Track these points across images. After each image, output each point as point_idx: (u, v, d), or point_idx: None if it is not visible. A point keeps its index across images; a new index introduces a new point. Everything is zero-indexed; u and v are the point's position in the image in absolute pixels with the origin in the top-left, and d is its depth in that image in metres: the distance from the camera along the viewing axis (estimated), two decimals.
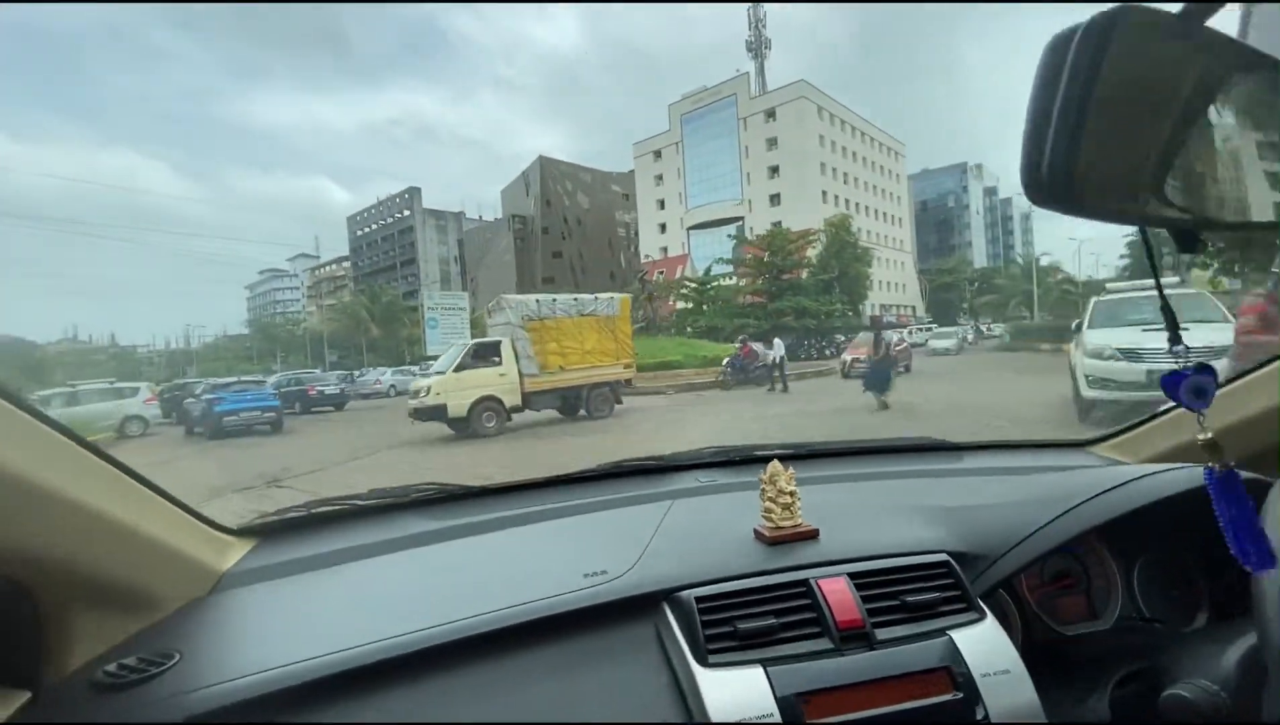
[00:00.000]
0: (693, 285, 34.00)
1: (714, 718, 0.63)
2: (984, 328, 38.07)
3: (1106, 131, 0.37)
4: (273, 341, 57.19)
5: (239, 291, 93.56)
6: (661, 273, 49.49)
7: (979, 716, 0.67)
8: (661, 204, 60.33)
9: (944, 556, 0.81)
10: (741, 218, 50.89)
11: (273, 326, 61.33)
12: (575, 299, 12.33)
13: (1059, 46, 0.38)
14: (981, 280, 64.23)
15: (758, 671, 0.67)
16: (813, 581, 0.76)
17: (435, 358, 18.11)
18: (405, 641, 0.69)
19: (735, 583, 0.77)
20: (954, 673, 0.69)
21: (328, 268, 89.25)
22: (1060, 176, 0.37)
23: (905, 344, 16.77)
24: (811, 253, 34.25)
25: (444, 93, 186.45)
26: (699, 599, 0.74)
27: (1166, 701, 0.63)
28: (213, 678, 0.64)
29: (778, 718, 0.63)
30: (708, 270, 33.46)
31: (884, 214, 58.58)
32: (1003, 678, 0.70)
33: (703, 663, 0.68)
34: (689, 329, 29.19)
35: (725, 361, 16.84)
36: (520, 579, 0.84)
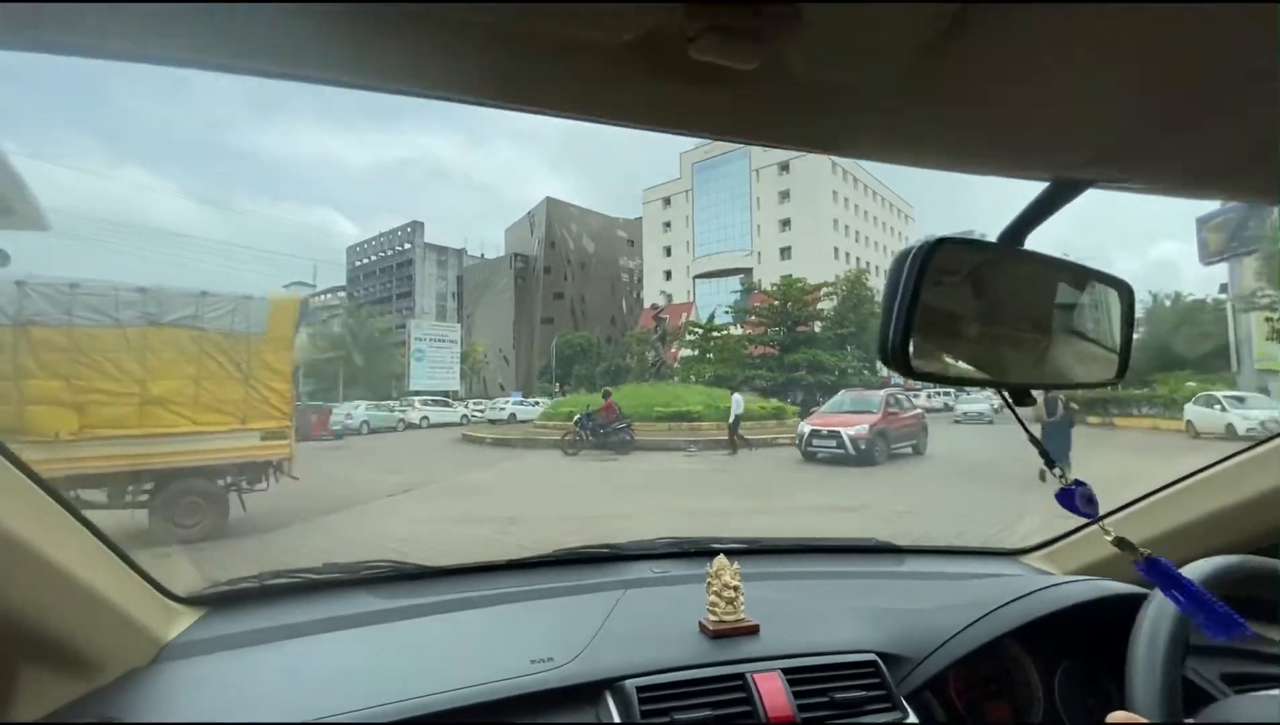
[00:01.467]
0: (699, 331, 31.92)
1: None
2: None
3: (928, 322, 0.47)
4: None
5: None
6: (665, 317, 47.65)
7: None
8: (668, 251, 59.17)
9: (871, 656, 0.85)
10: (750, 269, 49.53)
11: None
12: (141, 290, 5.60)
13: (900, 261, 0.49)
14: None
15: None
16: (748, 676, 0.79)
17: (419, 393, 16.10)
18: (349, 718, 0.70)
19: (675, 674, 0.79)
20: None
21: (322, 297, 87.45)
22: (898, 352, 0.47)
23: (917, 412, 13.03)
24: (826, 306, 32.47)
25: (460, 137, 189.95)
26: (640, 689, 0.76)
27: None
28: None
29: None
30: (711, 317, 31.36)
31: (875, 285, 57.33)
32: None
33: None
34: (693, 378, 26.86)
35: (575, 419, 13.63)
36: (468, 661, 0.85)
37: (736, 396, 13.41)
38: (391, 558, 1.28)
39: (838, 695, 0.78)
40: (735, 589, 0.89)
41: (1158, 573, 0.53)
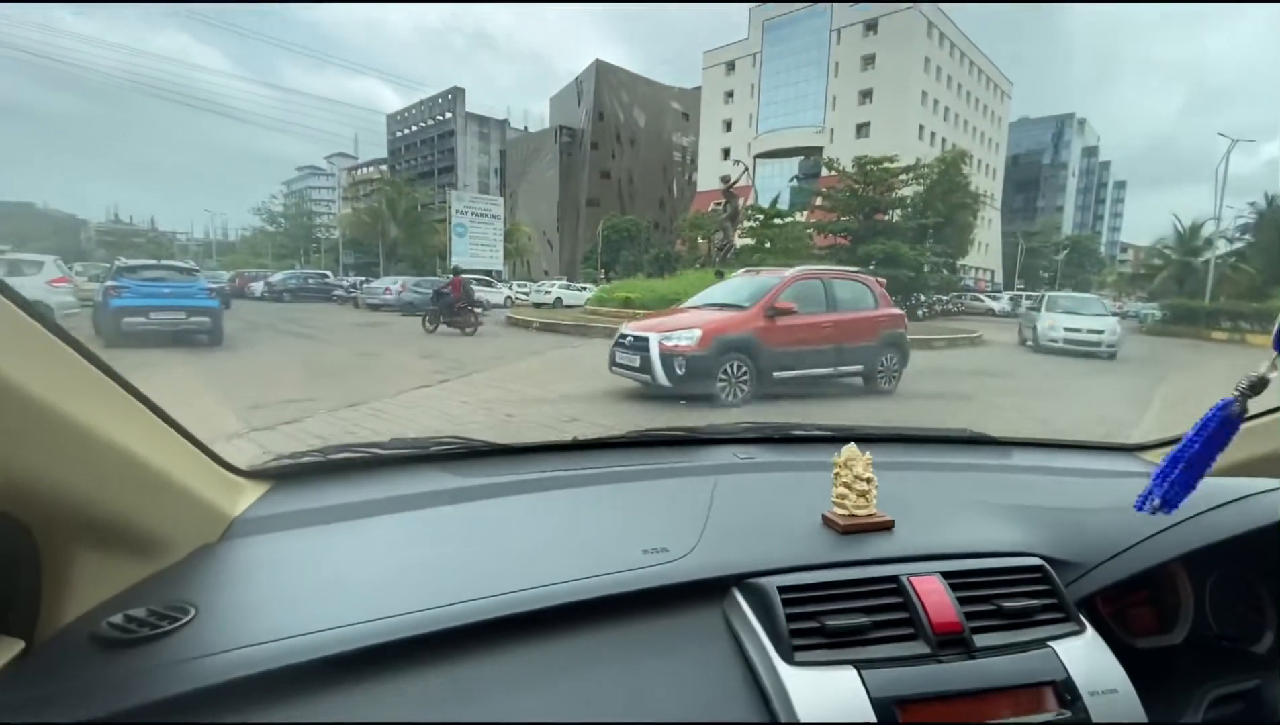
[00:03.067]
0: (759, 217, 28.73)
1: (802, 718, 0.58)
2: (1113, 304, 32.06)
3: None
4: (301, 240, 54.26)
5: (277, 187, 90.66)
6: (720, 203, 44.21)
7: None
8: (728, 125, 53.82)
9: (1037, 560, 0.77)
10: (820, 148, 44.52)
11: (300, 224, 57.95)
12: None
13: None
14: (1073, 248, 57.24)
15: (850, 673, 0.62)
16: (904, 579, 0.70)
17: (459, 270, 14.48)
18: (450, 613, 0.62)
19: (817, 573, 0.71)
20: (1059, 689, 0.65)
21: (365, 170, 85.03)
22: None
23: (884, 314, 7.14)
24: (908, 192, 28.56)
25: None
26: (781, 589, 0.68)
27: None
28: (231, 641, 0.58)
29: (874, 724, 0.59)
30: (774, 202, 27.80)
31: (981, 162, 51.29)
32: (1111, 697, 0.66)
33: (788, 659, 0.62)
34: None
35: (433, 293, 13.60)
36: (572, 549, 0.78)
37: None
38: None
39: (1005, 604, 0.69)
40: (869, 481, 0.80)
41: None
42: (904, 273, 25.76)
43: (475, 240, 32.67)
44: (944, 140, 45.23)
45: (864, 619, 0.66)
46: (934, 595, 0.68)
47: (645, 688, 0.60)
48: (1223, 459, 1.01)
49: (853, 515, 0.79)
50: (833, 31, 46.12)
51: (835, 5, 45.84)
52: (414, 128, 76.17)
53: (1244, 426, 0.94)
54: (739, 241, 28.63)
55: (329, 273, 31.40)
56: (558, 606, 0.65)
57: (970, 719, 0.61)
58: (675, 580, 0.70)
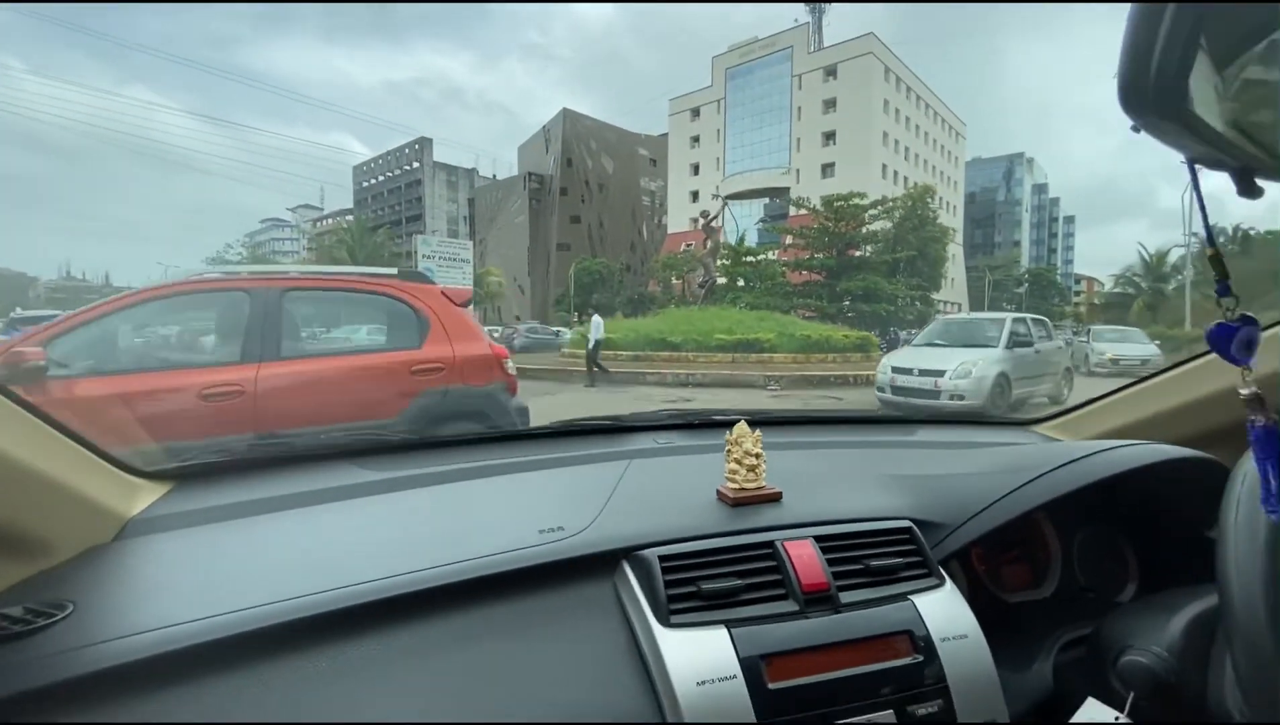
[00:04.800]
0: (734, 256, 28.40)
1: (674, 677, 0.62)
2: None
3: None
4: None
5: (238, 238, 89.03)
6: (690, 245, 44.13)
7: (937, 680, 0.69)
8: (695, 169, 54.46)
9: (907, 522, 0.82)
10: (787, 188, 45.13)
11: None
12: None
13: None
14: (1034, 280, 58.71)
15: (721, 632, 0.66)
16: (778, 543, 0.75)
17: None
18: (334, 596, 0.63)
19: (699, 542, 0.75)
20: (915, 636, 0.70)
21: (330, 220, 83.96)
22: (1169, 79, 0.32)
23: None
24: (878, 227, 28.67)
25: (473, 57, 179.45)
26: (662, 558, 0.71)
27: (1125, 667, 0.67)
28: (107, 632, 0.57)
29: (740, 678, 0.63)
30: (740, 239, 27.51)
31: (942, 200, 52.68)
32: (961, 642, 0.71)
33: (665, 622, 0.66)
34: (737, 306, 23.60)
35: None
36: (467, 533, 0.79)
37: (597, 317, 11.18)
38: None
39: (872, 563, 0.76)
40: (758, 456, 0.85)
41: (1266, 443, 0.47)
42: (882, 307, 25.54)
43: (443, 284, 31.75)
44: (906, 178, 46.29)
45: (738, 582, 0.70)
46: (805, 558, 0.73)
47: (532, 658, 0.63)
48: (1099, 427, 1.18)
49: (742, 489, 0.84)
50: (794, 77, 47.41)
51: (795, 51, 47.27)
52: (381, 177, 75.74)
53: (1116, 397, 1.15)
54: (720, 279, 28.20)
55: None
56: (444, 586, 0.67)
57: (832, 667, 0.65)
58: (564, 556, 0.72)
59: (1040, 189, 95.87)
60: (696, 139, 54.66)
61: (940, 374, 7.43)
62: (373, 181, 76.49)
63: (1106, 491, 0.88)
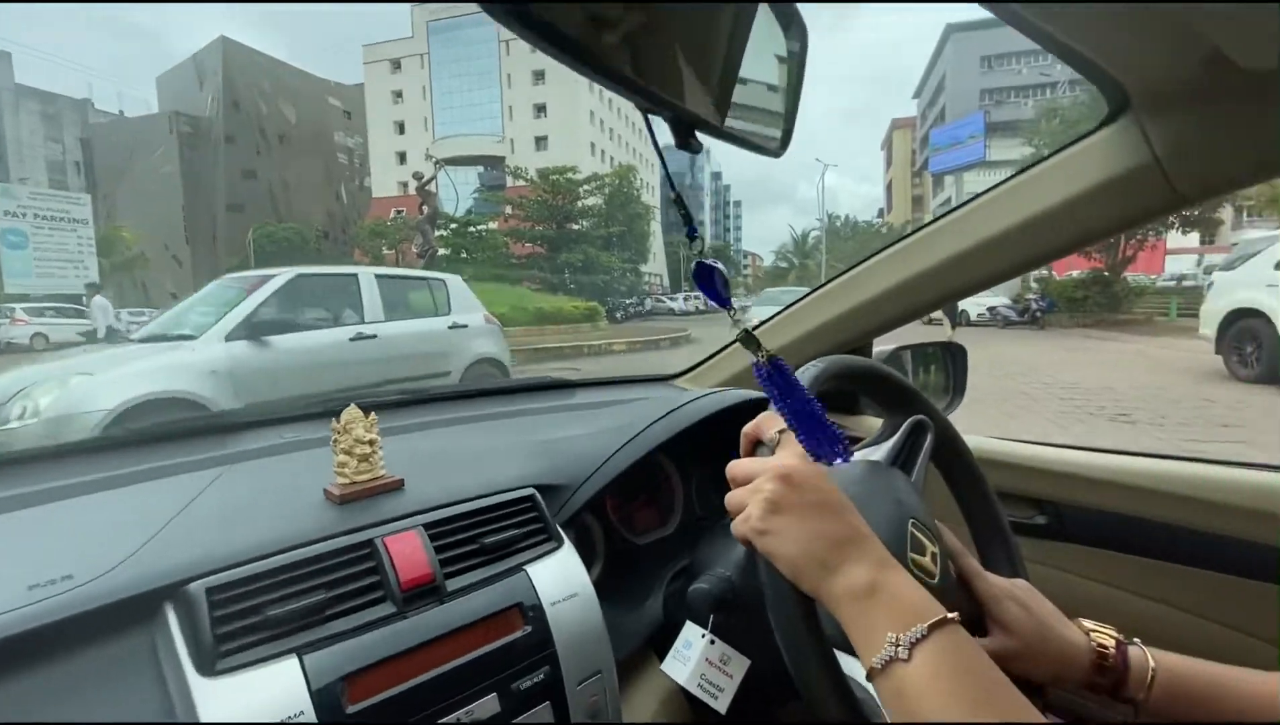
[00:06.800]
0: (452, 226, 27.03)
1: None
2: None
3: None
4: None
5: None
6: (401, 211, 40.71)
7: (544, 646, 0.67)
8: (401, 127, 49.96)
9: (529, 490, 0.79)
10: (502, 157, 44.40)
11: None
12: None
13: None
14: (717, 255, 69.09)
15: (290, 664, 0.55)
16: (377, 540, 0.66)
17: (22, 297, 9.31)
18: None
19: (270, 560, 0.61)
20: (525, 607, 0.68)
21: None
22: None
23: None
24: (591, 202, 30.22)
25: None
26: (211, 589, 0.57)
27: (692, 596, 0.68)
28: None
29: (311, 713, 0.53)
30: (468, 210, 26.49)
31: (643, 180, 57.86)
32: (571, 602, 0.71)
33: (207, 671, 0.53)
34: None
35: None
36: None
37: (99, 299, 10.13)
38: None
39: (488, 539, 0.71)
40: (372, 443, 0.76)
41: (776, 381, 0.49)
42: (600, 278, 27.03)
43: (46, 253, 23.22)
44: (612, 158, 49.53)
45: (322, 595, 0.60)
46: (407, 551, 0.66)
47: None
48: (720, 376, 1.34)
49: (352, 483, 0.74)
50: (502, 42, 46.33)
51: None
52: None
53: (731, 347, 1.32)
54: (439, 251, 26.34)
55: None
56: None
57: (431, 665, 0.60)
58: (64, 614, 0.55)
59: (716, 176, 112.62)
60: (400, 94, 49.99)
61: None
62: None
63: (716, 430, 0.92)
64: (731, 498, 0.50)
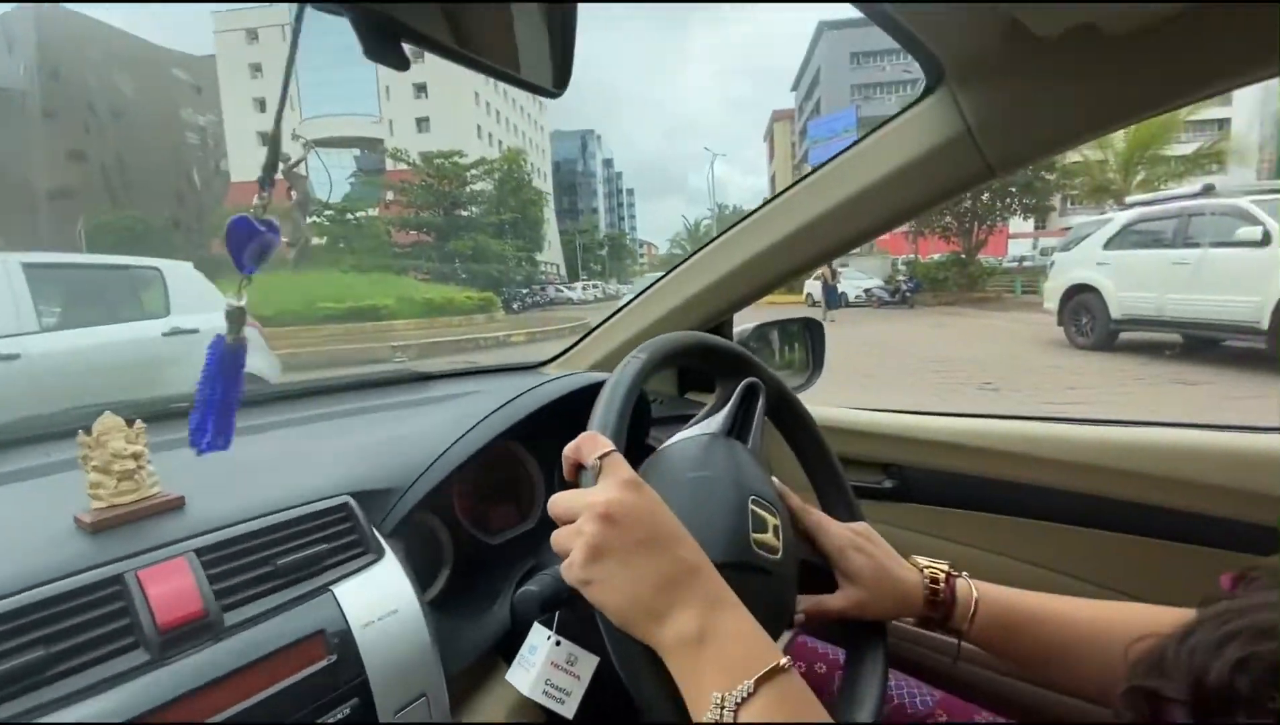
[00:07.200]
0: (329, 213, 25.14)
1: None
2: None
3: None
4: None
5: None
6: (302, 173, 37.34)
7: (354, 676, 0.58)
8: (261, 105, 45.38)
9: (344, 498, 0.69)
10: (380, 140, 41.76)
11: None
12: None
13: None
14: (612, 244, 69.26)
15: None
16: (128, 575, 0.55)
17: None
18: None
19: None
20: (328, 635, 0.58)
21: None
22: None
23: None
24: (481, 187, 29.19)
25: None
26: None
27: (519, 600, 0.61)
28: None
29: None
30: (344, 195, 24.78)
31: (534, 165, 56.58)
32: (389, 620, 0.62)
33: None
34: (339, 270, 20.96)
35: None
36: None
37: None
38: None
39: (284, 560, 0.61)
40: (136, 458, 0.63)
41: (225, 363, 0.50)
42: (494, 267, 26.23)
43: None
44: (500, 142, 48.05)
45: (41, 653, 0.48)
46: (170, 586, 0.55)
47: None
48: (588, 359, 1.30)
49: (112, 506, 0.62)
50: None
51: None
52: None
53: (598, 331, 1.31)
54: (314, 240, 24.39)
55: None
56: None
57: (203, 715, 0.51)
58: None
59: (608, 163, 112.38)
60: (258, 67, 45.44)
61: None
62: None
63: (570, 416, 0.82)
64: (556, 538, 0.47)
